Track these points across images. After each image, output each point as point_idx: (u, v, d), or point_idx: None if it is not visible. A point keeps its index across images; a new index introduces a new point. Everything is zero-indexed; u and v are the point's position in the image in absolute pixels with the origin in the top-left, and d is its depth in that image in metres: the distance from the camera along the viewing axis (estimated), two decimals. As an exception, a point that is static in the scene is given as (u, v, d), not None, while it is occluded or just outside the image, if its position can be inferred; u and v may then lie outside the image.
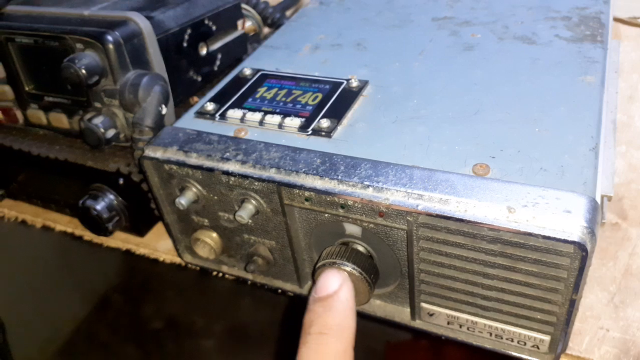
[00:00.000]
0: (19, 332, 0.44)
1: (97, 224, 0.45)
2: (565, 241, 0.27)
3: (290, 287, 0.41)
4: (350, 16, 0.54)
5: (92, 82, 0.41)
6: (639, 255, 0.41)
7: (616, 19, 0.71)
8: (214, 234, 0.41)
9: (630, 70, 0.62)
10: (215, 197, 0.38)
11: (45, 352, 0.43)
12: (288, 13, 0.72)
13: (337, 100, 0.40)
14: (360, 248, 0.35)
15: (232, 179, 0.35)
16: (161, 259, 0.48)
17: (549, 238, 0.28)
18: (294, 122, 0.37)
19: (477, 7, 0.52)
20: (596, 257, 0.41)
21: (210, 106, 0.40)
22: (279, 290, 0.42)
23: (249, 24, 0.65)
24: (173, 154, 0.37)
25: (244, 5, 0.62)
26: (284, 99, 0.40)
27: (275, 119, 0.38)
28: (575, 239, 0.27)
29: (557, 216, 0.28)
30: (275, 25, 0.68)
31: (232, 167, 0.35)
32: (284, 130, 0.37)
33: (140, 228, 0.49)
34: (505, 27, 0.47)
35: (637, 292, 0.39)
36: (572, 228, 0.27)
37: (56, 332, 0.44)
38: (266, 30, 0.69)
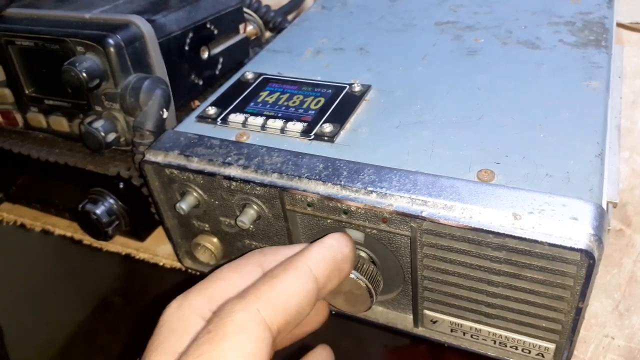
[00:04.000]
0: (18, 336, 0.44)
1: (96, 228, 0.45)
2: (572, 249, 0.27)
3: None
4: (352, 20, 0.53)
5: (93, 85, 0.40)
6: (643, 262, 0.41)
7: (618, 24, 0.71)
8: (215, 239, 0.40)
9: (633, 76, 0.62)
10: (217, 202, 0.37)
11: (45, 356, 0.42)
12: (290, 17, 0.72)
13: (340, 104, 0.39)
14: (363, 254, 0.35)
15: (234, 183, 0.35)
16: (161, 263, 0.47)
17: (555, 245, 0.27)
18: (296, 126, 0.37)
19: (481, 12, 0.52)
20: (600, 264, 0.41)
21: (211, 110, 0.40)
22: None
23: (250, 27, 0.65)
24: (174, 158, 0.37)
25: (245, 9, 0.62)
26: (286, 103, 0.40)
27: (277, 123, 0.38)
28: (582, 247, 0.27)
29: (563, 223, 0.27)
30: (277, 29, 0.68)
31: (234, 171, 0.35)
32: (286, 135, 0.37)
33: (140, 232, 0.48)
34: (509, 32, 0.47)
35: (642, 300, 0.38)
36: (579, 235, 0.27)
37: (55, 335, 0.44)
38: (268, 34, 0.69)
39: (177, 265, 0.46)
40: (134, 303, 0.46)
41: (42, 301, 0.47)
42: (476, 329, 0.34)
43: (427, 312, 0.35)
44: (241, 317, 0.23)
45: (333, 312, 0.38)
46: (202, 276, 0.44)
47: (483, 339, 0.34)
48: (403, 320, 0.37)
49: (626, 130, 0.54)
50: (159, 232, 0.49)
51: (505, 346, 0.34)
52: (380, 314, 0.38)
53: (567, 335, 0.31)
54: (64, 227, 0.52)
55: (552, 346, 0.32)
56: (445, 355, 0.37)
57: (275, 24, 0.68)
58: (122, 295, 0.47)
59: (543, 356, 0.33)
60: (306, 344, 0.31)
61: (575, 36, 0.45)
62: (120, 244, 0.49)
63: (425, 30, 0.49)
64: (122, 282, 0.49)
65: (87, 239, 0.50)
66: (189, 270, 0.45)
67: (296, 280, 0.25)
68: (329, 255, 0.28)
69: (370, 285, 0.33)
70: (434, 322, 0.35)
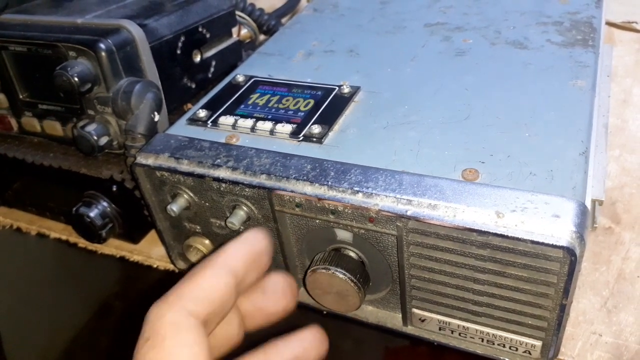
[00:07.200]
0: (16, 341, 0.44)
1: (90, 231, 0.45)
2: (554, 246, 0.27)
3: (283, 293, 0.41)
4: (343, 23, 0.54)
5: (85, 89, 0.41)
6: (632, 259, 0.41)
7: (609, 24, 0.71)
8: (206, 241, 0.41)
9: (624, 75, 0.62)
10: (207, 204, 0.38)
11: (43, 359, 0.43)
12: (283, 20, 0.73)
13: (329, 106, 0.40)
14: (352, 254, 0.35)
15: (223, 185, 0.35)
16: (155, 265, 0.48)
17: (537, 243, 0.28)
18: (285, 128, 0.37)
19: (470, 13, 0.52)
20: (589, 262, 0.41)
21: (202, 113, 0.40)
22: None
23: (244, 31, 0.66)
24: (164, 160, 0.37)
25: (239, 13, 0.63)
26: (276, 105, 0.40)
27: (266, 125, 0.38)
28: (564, 244, 0.27)
29: (545, 221, 0.28)
30: (270, 32, 0.69)
31: (223, 173, 0.35)
32: (276, 137, 0.37)
33: (133, 235, 0.49)
34: (498, 32, 0.47)
35: (630, 297, 0.38)
36: (560, 233, 0.27)
37: (54, 339, 0.44)
38: (262, 37, 0.70)
39: (171, 267, 0.46)
40: (130, 306, 0.47)
41: (39, 305, 0.48)
42: (464, 327, 0.34)
43: (415, 310, 0.35)
44: (171, 316, 0.25)
45: (324, 313, 0.38)
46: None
47: (471, 337, 0.35)
48: (392, 319, 0.38)
49: (617, 129, 0.54)
50: (153, 234, 0.50)
51: (493, 344, 0.34)
52: (370, 313, 0.38)
53: (552, 332, 0.31)
54: (59, 231, 0.52)
55: (538, 343, 0.33)
56: (444, 357, 0.38)
57: (269, 27, 0.68)
58: (119, 298, 0.48)
59: (530, 353, 0.33)
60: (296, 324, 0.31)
61: (563, 36, 0.45)
62: (115, 247, 0.50)
63: (415, 31, 0.50)
64: (117, 285, 0.49)
65: (82, 242, 0.51)
66: (183, 272, 0.46)
67: (213, 275, 0.27)
68: (244, 250, 0.29)
69: (359, 284, 0.34)
70: (423, 321, 0.36)
